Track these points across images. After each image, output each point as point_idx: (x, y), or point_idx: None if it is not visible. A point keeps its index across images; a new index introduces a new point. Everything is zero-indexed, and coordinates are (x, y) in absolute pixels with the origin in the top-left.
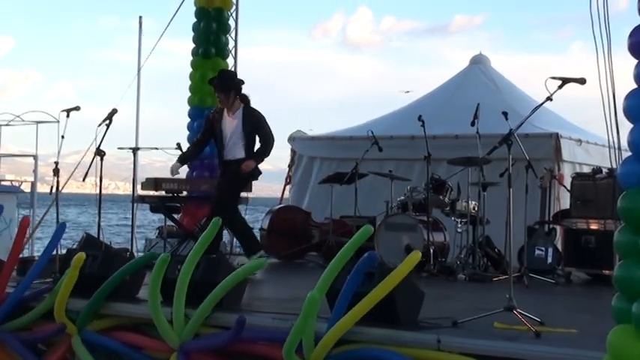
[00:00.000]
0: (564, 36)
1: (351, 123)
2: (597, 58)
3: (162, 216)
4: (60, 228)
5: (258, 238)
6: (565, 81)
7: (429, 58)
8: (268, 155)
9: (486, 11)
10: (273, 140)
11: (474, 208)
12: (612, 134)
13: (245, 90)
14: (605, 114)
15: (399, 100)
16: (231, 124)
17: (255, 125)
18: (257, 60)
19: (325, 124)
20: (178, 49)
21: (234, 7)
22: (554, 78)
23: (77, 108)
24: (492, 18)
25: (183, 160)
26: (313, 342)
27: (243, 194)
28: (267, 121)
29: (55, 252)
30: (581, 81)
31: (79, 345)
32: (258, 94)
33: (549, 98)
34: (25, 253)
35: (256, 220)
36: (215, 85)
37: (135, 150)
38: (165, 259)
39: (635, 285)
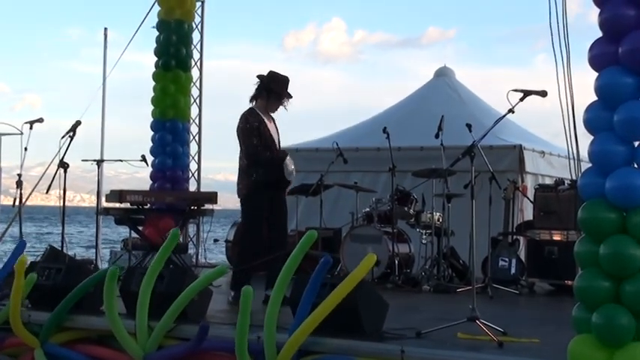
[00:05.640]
0: (533, 49)
1: (316, 135)
2: (557, 71)
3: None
4: (20, 245)
5: (224, 250)
6: (526, 93)
7: (398, 71)
8: None
9: (460, 24)
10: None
11: (438, 220)
12: (572, 146)
13: (212, 103)
14: (564, 126)
15: (365, 112)
16: (274, 130)
17: None
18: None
19: (292, 136)
20: (144, 61)
21: (199, 18)
22: (515, 90)
23: (40, 120)
24: (466, 31)
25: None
26: (275, 351)
27: (209, 206)
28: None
29: None
30: (542, 93)
31: (42, 358)
32: (224, 107)
33: (511, 110)
34: None
35: (215, 232)
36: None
37: (99, 162)
38: (115, 273)
39: (595, 295)
